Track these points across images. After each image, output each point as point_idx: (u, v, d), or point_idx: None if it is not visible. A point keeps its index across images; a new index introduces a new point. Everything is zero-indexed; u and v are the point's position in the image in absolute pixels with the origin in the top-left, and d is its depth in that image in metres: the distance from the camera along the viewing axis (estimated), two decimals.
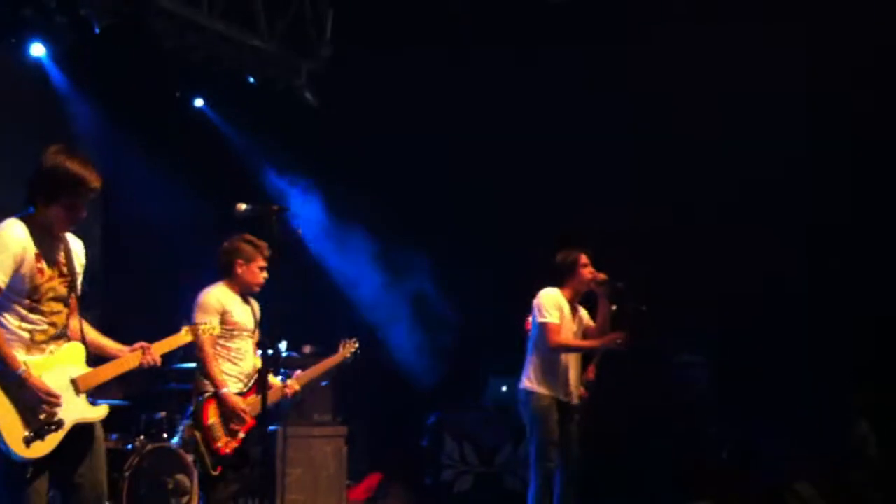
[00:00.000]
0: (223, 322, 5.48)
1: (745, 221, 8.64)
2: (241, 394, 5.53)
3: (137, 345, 4.35)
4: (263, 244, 5.63)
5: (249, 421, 5.44)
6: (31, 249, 4.01)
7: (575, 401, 6.27)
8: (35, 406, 3.92)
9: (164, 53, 8.17)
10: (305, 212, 9.75)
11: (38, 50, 8.21)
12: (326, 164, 9.64)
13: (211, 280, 5.75)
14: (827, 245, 8.38)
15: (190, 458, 6.66)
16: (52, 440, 3.98)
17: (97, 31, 7.69)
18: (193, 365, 7.19)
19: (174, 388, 7.26)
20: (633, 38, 8.47)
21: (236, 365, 5.59)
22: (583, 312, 6.44)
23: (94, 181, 4.11)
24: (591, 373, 7.02)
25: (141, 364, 4.31)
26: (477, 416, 9.33)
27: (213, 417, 5.40)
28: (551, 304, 6.18)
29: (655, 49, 8.38)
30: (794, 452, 7.72)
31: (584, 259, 6.27)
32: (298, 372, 5.82)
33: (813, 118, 8.26)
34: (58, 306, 4.11)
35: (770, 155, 8.39)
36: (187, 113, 9.41)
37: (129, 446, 6.37)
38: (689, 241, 8.56)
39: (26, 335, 4.02)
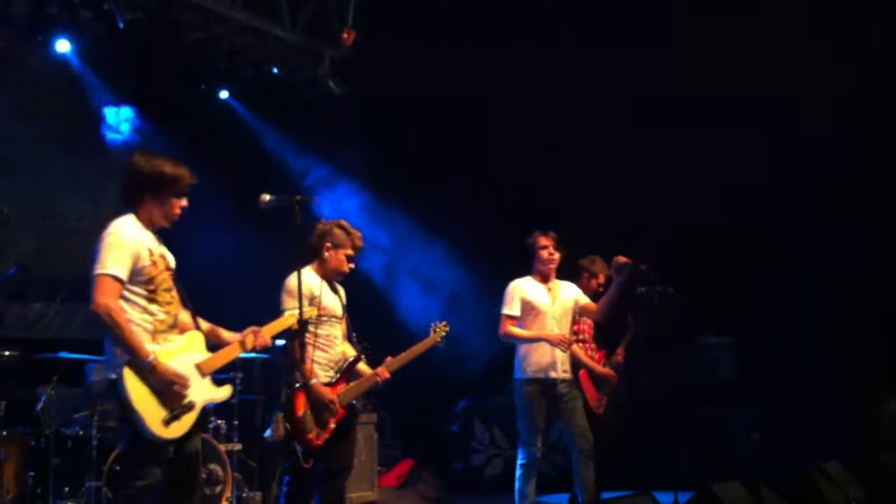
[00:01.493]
0: (312, 307, 5.18)
1: (772, 202, 8.59)
2: (330, 383, 5.31)
3: (248, 329, 4.63)
4: (357, 233, 5.47)
5: (340, 411, 5.27)
6: (144, 244, 4.28)
7: (567, 376, 6.28)
8: (168, 389, 4.17)
9: (188, 46, 8.23)
10: (336, 202, 9.80)
11: (63, 46, 8.27)
12: (355, 152, 9.68)
13: (236, 271, 5.71)
14: (857, 228, 8.33)
15: (223, 447, 6.76)
16: (188, 420, 4.27)
17: (121, 25, 7.75)
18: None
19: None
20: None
21: (325, 352, 5.35)
22: (566, 292, 6.43)
23: (189, 178, 4.41)
24: (621, 356, 7.02)
25: (253, 347, 4.61)
26: (505, 401, 9.33)
27: (302, 409, 5.15)
28: (511, 295, 6.34)
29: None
30: (823, 433, 7.70)
31: (542, 241, 6.35)
32: (389, 359, 5.52)
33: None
34: (169, 297, 4.37)
35: (801, 142, 8.35)
36: (213, 105, 9.46)
37: None
38: (715, 224, 8.53)
39: (149, 326, 4.26)
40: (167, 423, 4.17)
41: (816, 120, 8.27)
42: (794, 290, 8.52)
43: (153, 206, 4.34)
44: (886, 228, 8.22)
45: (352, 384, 5.39)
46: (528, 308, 6.29)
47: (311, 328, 5.22)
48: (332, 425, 5.25)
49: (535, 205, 9.10)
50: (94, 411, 6.47)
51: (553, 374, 6.23)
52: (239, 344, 4.58)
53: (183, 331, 4.46)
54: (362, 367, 5.48)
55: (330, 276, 5.44)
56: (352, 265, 5.47)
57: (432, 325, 5.81)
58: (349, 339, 5.52)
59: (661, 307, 6.21)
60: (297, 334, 4.96)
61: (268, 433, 6.05)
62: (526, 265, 6.47)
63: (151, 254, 4.28)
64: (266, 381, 7.78)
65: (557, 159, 9.29)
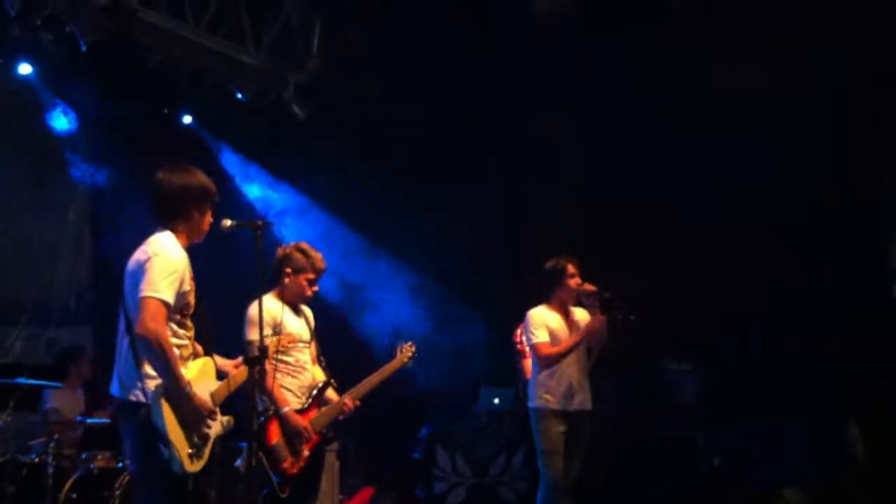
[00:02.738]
0: (276, 335, 5.18)
1: (733, 227, 8.66)
2: (301, 410, 5.25)
3: (238, 359, 4.54)
4: (317, 255, 5.39)
5: (314, 438, 5.23)
6: (188, 267, 4.13)
7: (586, 406, 6.22)
8: (196, 421, 4.01)
9: (151, 69, 8.19)
10: (297, 223, 9.77)
11: (25, 69, 8.21)
12: (317, 175, 9.66)
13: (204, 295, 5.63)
14: (820, 250, 8.41)
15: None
16: (205, 454, 4.11)
17: (84, 47, 7.69)
18: None
19: None
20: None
21: (296, 378, 5.30)
22: (580, 316, 6.40)
23: (214, 188, 4.30)
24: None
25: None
26: (469, 427, 9.32)
27: (276, 437, 5.12)
28: (537, 323, 6.21)
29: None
30: (785, 457, 7.74)
31: (571, 269, 6.26)
32: (346, 398, 5.44)
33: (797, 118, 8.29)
34: (190, 322, 4.21)
35: (759, 158, 8.42)
36: (176, 129, 9.41)
37: (120, 465, 6.36)
38: (679, 249, 8.58)
39: (177, 351, 4.07)
40: (191, 457, 3.99)
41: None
42: (756, 312, 8.58)
43: (196, 221, 4.19)
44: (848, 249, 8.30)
45: (323, 409, 5.34)
46: (552, 339, 6.21)
47: (278, 355, 5.16)
48: (306, 452, 5.20)
49: (513, 221, 9.15)
50: (51, 438, 6.37)
51: (570, 406, 6.15)
52: (240, 373, 4.41)
53: (195, 356, 4.29)
54: (331, 393, 5.43)
55: (293, 301, 5.39)
56: (315, 288, 5.42)
57: (399, 346, 5.74)
58: (318, 362, 5.48)
59: (623, 333, 6.23)
60: (258, 361, 4.89)
61: (238, 462, 5.95)
62: (540, 292, 6.33)
63: (192, 277, 4.14)
64: (225, 407, 7.69)
65: (532, 175, 9.30)
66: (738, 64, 7.94)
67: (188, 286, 4.10)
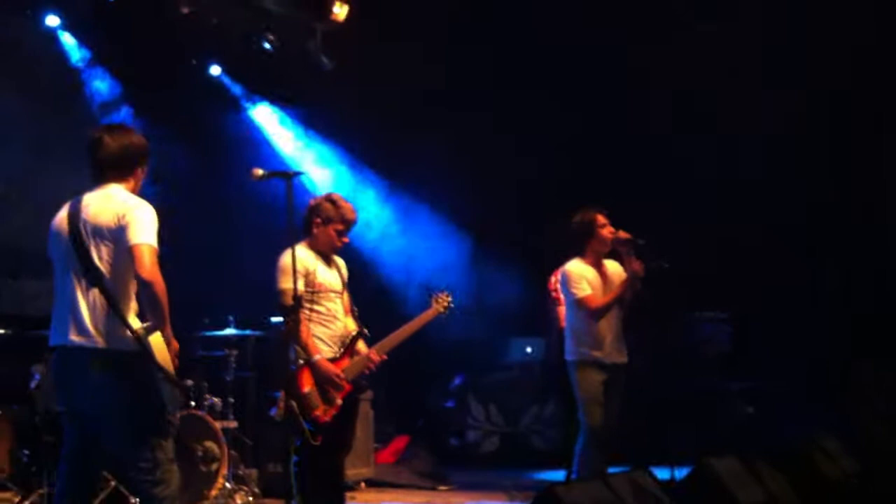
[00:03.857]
0: (307, 284, 5.13)
1: (768, 178, 8.59)
2: (333, 359, 5.22)
3: None
4: (347, 206, 5.34)
5: (346, 386, 5.19)
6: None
7: (622, 359, 6.19)
8: (173, 363, 4.18)
9: (178, 20, 8.14)
10: (324, 177, 9.75)
11: (52, 21, 8.18)
12: (343, 126, 9.62)
13: (229, 245, 5.60)
14: (856, 199, 8.36)
15: (218, 425, 6.72)
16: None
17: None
18: (221, 332, 7.30)
19: (201, 355, 7.33)
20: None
21: (327, 328, 5.25)
22: (612, 268, 6.33)
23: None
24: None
25: None
26: (501, 378, 9.35)
27: (308, 386, 5.09)
28: (577, 277, 6.10)
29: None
30: (818, 407, 7.71)
31: (601, 219, 6.17)
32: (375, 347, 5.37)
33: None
34: None
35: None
36: (203, 80, 9.37)
37: None
38: (712, 198, 8.52)
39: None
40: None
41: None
42: (791, 266, 8.53)
43: (138, 178, 4.27)
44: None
45: (355, 359, 5.34)
46: (591, 288, 6.09)
47: (308, 305, 5.13)
48: (339, 401, 5.19)
49: (540, 179, 9.11)
50: None
51: (608, 359, 6.08)
52: None
53: None
54: (361, 345, 5.42)
55: (323, 251, 5.38)
56: (345, 239, 5.40)
57: (433, 295, 5.64)
58: (352, 313, 5.47)
59: (657, 281, 6.17)
60: (292, 310, 4.88)
61: (273, 411, 5.98)
62: (573, 246, 6.19)
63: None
64: (260, 358, 7.75)
65: (559, 136, 9.23)
66: (739, 64, 7.94)
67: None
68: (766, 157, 8.58)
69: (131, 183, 4.24)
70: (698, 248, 8.07)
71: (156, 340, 4.05)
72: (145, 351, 3.97)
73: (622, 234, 6.02)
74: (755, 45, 8.25)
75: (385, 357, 5.38)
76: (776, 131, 8.37)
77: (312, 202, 5.41)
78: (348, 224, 5.37)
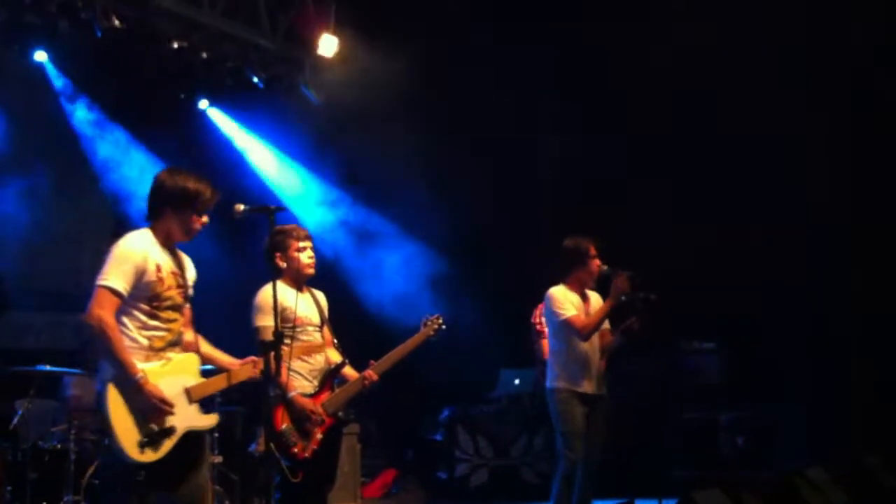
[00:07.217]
0: (284, 319, 5.06)
1: (757, 211, 8.60)
2: (312, 394, 5.20)
3: (248, 358, 4.60)
4: (291, 226, 5.39)
5: (326, 420, 5.17)
6: (151, 259, 4.22)
7: (602, 391, 6.16)
8: (149, 411, 4.07)
9: (167, 55, 8.17)
10: (314, 211, 9.76)
11: (40, 56, 8.22)
12: (329, 161, 9.65)
13: (215, 282, 5.56)
14: (843, 235, 8.35)
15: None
16: (165, 446, 4.12)
17: (99, 34, 7.68)
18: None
19: None
20: None
21: (306, 362, 5.25)
22: (595, 300, 6.32)
23: (210, 195, 4.35)
24: (603, 363, 6.93)
25: (251, 377, 4.57)
26: (490, 410, 9.30)
27: (285, 423, 5.08)
28: (562, 299, 6.10)
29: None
30: (809, 438, 7.68)
31: (592, 250, 6.18)
32: (373, 362, 5.36)
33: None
34: (174, 315, 4.30)
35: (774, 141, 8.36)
36: (192, 114, 9.40)
37: None
38: (701, 228, 8.53)
39: (146, 342, 4.18)
40: (142, 446, 4.03)
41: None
42: (782, 293, 8.52)
43: (173, 221, 4.29)
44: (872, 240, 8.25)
45: (338, 391, 5.30)
46: (577, 310, 6.11)
47: (287, 340, 5.05)
48: (319, 435, 5.16)
49: (524, 208, 9.11)
50: (72, 425, 6.40)
51: (590, 389, 6.05)
52: (237, 372, 4.51)
53: (185, 351, 4.36)
54: (349, 371, 5.39)
55: (299, 279, 5.37)
56: (311, 257, 5.37)
57: (423, 318, 5.61)
58: (333, 345, 5.44)
59: (644, 313, 6.15)
60: (272, 347, 4.86)
61: (252, 447, 5.94)
62: (559, 271, 6.20)
63: (159, 269, 4.21)
64: (246, 392, 7.71)
65: (545, 164, 9.26)
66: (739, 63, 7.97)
67: (154, 277, 4.19)
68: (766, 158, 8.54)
69: (158, 226, 4.31)
70: (687, 278, 8.05)
71: (122, 386, 4.04)
72: (100, 392, 4.06)
73: (607, 268, 6.04)
74: (755, 46, 8.22)
75: (377, 378, 5.34)
76: (776, 131, 8.35)
77: (266, 243, 5.36)
78: (303, 240, 5.34)
